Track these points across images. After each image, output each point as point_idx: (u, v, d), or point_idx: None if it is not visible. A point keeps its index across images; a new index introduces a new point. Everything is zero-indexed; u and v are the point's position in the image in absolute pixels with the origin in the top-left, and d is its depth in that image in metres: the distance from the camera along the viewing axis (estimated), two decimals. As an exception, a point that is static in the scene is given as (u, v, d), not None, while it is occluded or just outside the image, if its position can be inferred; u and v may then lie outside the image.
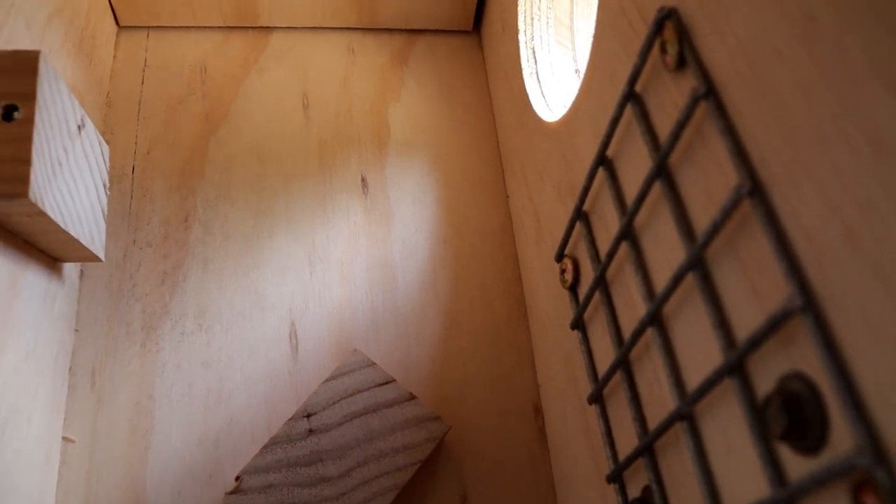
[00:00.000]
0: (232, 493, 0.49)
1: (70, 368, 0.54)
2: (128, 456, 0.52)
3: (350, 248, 0.61)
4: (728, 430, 0.30)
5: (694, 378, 0.33)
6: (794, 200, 0.25)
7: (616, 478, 0.40)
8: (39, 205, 0.40)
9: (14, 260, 0.45)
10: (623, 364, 0.39)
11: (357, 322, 0.58)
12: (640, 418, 0.38)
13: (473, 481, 0.54)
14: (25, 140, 0.39)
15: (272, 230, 0.60)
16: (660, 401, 0.36)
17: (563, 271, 0.49)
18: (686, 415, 0.32)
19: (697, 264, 0.31)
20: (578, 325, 0.46)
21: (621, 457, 0.41)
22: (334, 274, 0.60)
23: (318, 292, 0.59)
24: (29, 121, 0.39)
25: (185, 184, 0.61)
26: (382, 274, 0.60)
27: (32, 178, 0.39)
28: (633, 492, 0.39)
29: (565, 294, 0.49)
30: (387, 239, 0.61)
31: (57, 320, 0.51)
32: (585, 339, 0.45)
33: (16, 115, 0.39)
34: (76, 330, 0.55)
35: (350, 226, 0.62)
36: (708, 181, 0.31)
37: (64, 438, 0.52)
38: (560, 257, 0.49)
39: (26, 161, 0.39)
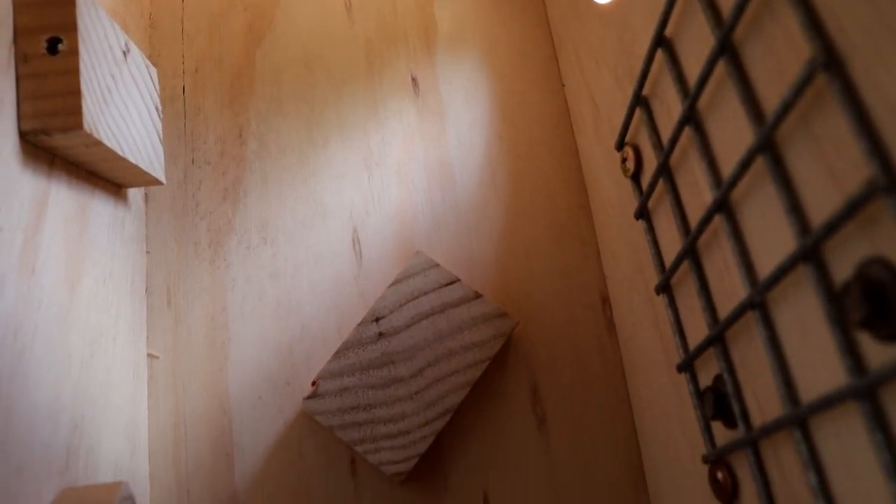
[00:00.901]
0: (309, 397, 0.51)
1: (146, 289, 0.56)
2: (209, 367, 0.54)
3: (405, 150, 0.60)
4: (803, 318, 0.29)
5: (766, 266, 0.31)
6: (877, 71, 0.23)
7: (686, 367, 0.40)
8: (95, 134, 0.41)
9: (80, 190, 0.46)
10: (691, 253, 0.38)
11: (418, 223, 0.58)
12: (710, 308, 0.37)
13: (543, 373, 0.55)
14: (72, 72, 0.39)
15: (326, 138, 0.60)
16: (730, 289, 0.35)
17: (624, 160, 0.47)
18: (758, 303, 0.31)
19: (767, 146, 0.29)
20: (643, 214, 0.45)
21: (691, 346, 0.40)
22: (392, 177, 0.59)
23: (377, 196, 0.59)
24: (73, 52, 0.39)
25: (237, 99, 0.61)
26: (440, 173, 0.59)
27: (84, 108, 0.39)
28: (705, 381, 0.39)
29: (628, 183, 0.48)
30: (441, 138, 0.60)
31: (128, 244, 0.53)
32: (651, 229, 0.44)
33: (60, 47, 0.39)
34: (147, 252, 0.56)
35: (404, 127, 0.60)
36: (777, 57, 0.28)
37: (148, 355, 0.54)
38: (620, 145, 0.47)
39: (76, 92, 0.39)
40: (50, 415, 0.40)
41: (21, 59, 0.39)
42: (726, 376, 0.35)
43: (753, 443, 0.33)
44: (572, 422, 0.54)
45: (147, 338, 0.54)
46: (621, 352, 0.55)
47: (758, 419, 0.33)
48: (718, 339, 0.36)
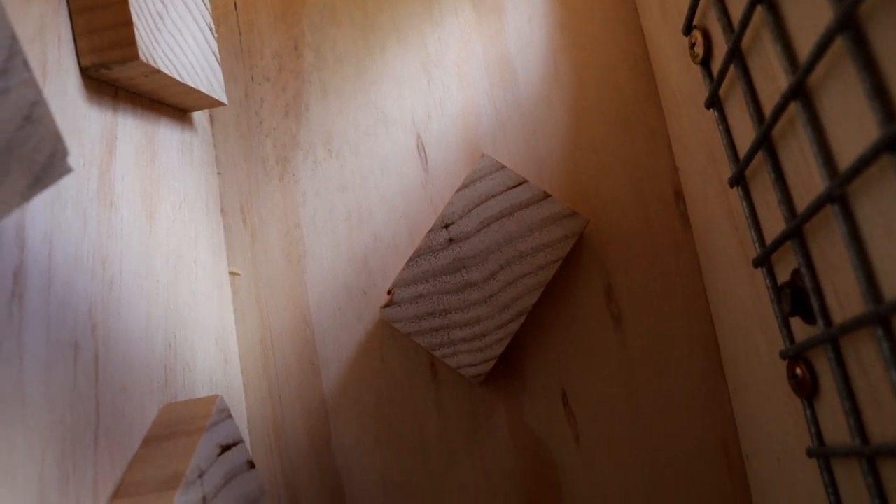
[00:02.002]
0: (386, 306, 0.52)
1: (221, 209, 0.57)
2: (288, 281, 0.56)
3: (464, 49, 0.58)
4: (888, 210, 0.27)
5: (846, 156, 0.29)
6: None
7: (763, 262, 0.39)
8: (151, 63, 0.41)
9: (146, 119, 0.47)
10: (765, 143, 0.36)
11: (482, 125, 0.57)
12: (787, 200, 0.35)
13: (617, 271, 0.54)
14: (121, 1, 0.39)
15: (383, 44, 0.59)
16: (808, 181, 0.33)
17: (692, 45, 0.44)
18: (837, 196, 0.30)
19: (848, 25, 0.27)
20: (714, 102, 0.43)
21: (768, 240, 0.39)
22: (452, 78, 0.58)
23: (438, 100, 0.58)
24: (120, -20, 0.39)
25: (289, 11, 0.59)
26: (501, 71, 0.57)
27: (138, 37, 0.40)
28: (783, 275, 0.37)
29: (697, 70, 0.45)
30: (500, 33, 0.58)
31: (199, 167, 0.54)
32: (723, 118, 0.42)
33: (106, -24, 0.39)
34: (219, 173, 0.58)
35: (460, 25, 0.58)
36: (858, -76, 0.25)
37: (230, 273, 0.56)
38: (688, 29, 0.44)
39: (128, 23, 0.39)
40: (144, 337, 0.42)
41: (71, -7, 0.39)
42: (804, 271, 0.34)
43: (833, 340, 0.32)
44: (648, 318, 0.53)
45: (227, 256, 0.56)
46: (696, 246, 0.53)
47: (838, 315, 0.32)
48: (796, 233, 0.34)
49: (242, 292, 0.56)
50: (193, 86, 0.47)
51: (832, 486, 0.35)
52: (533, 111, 0.57)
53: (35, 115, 0.29)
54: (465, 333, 0.51)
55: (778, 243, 0.36)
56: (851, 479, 0.33)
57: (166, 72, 0.43)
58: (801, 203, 0.34)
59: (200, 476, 0.38)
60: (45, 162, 0.29)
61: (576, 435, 0.53)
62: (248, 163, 0.58)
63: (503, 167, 0.52)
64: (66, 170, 0.31)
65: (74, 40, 0.39)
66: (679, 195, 0.54)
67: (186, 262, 0.50)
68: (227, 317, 0.55)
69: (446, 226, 0.52)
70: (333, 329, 0.55)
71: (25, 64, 0.28)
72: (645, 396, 0.53)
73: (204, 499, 0.38)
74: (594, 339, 0.54)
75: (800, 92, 0.32)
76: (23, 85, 0.28)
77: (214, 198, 0.56)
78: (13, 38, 0.28)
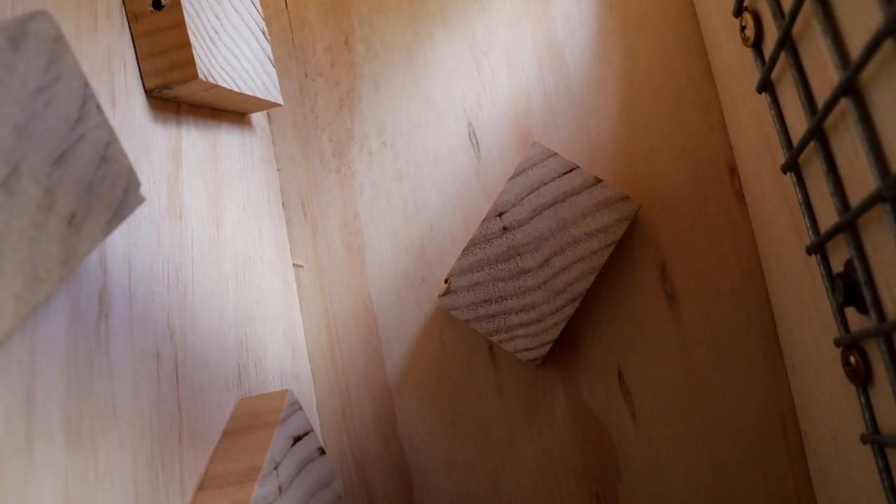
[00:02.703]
0: (444, 294, 0.54)
1: (283, 204, 0.59)
2: (349, 271, 0.58)
3: (512, 35, 0.58)
4: (936, 214, 0.27)
5: (896, 156, 0.29)
6: None
7: (816, 250, 0.39)
8: (210, 80, 0.43)
9: (207, 129, 0.49)
10: (817, 134, 0.36)
11: (532, 110, 0.57)
12: (839, 192, 0.35)
13: (672, 253, 0.54)
14: (179, 25, 0.41)
15: (431, 33, 0.59)
16: (860, 174, 0.33)
17: (743, 28, 0.43)
18: (888, 197, 0.30)
19: None
20: (766, 87, 0.42)
21: (822, 227, 0.39)
22: (501, 65, 0.58)
23: (488, 87, 0.58)
24: (176, 4, 0.40)
25: (338, 5, 0.60)
26: (550, 56, 0.57)
27: (196, 58, 0.41)
28: (837, 264, 0.37)
29: (749, 51, 0.44)
30: (548, 17, 0.58)
31: (259, 166, 0.56)
32: (775, 103, 0.42)
33: (163, 1, 0.40)
34: (278, 169, 0.60)
35: (507, 10, 0.58)
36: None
37: (294, 265, 0.59)
38: (739, 11, 0.44)
39: (186, 44, 0.41)
40: (218, 337, 0.45)
41: (132, 19, 0.41)
42: (857, 265, 0.34)
43: (886, 334, 0.32)
44: (703, 296, 0.54)
45: (290, 250, 0.59)
46: (752, 224, 0.53)
47: (891, 309, 0.32)
48: (848, 226, 0.34)
49: (306, 284, 0.59)
50: (250, 93, 0.49)
51: (886, 472, 0.35)
52: (583, 94, 0.57)
53: (109, 154, 0.31)
54: (521, 319, 0.53)
55: (830, 235, 0.36)
56: (906, 469, 0.34)
57: (224, 85, 0.45)
58: (854, 194, 0.34)
59: (276, 468, 0.41)
60: (121, 197, 0.32)
61: (632, 412, 0.54)
62: (306, 158, 0.60)
63: (554, 154, 0.53)
64: (140, 201, 0.33)
65: (138, 64, 0.41)
66: (734, 173, 0.54)
67: (253, 260, 0.52)
68: (293, 308, 0.58)
69: (500, 214, 0.53)
70: (395, 316, 0.57)
71: (98, 108, 0.31)
72: (701, 373, 0.53)
73: (280, 488, 0.41)
74: (649, 319, 0.54)
75: (850, 89, 0.31)
76: (97, 128, 0.30)
77: (275, 194, 0.59)
78: (86, 86, 0.30)
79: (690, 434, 0.53)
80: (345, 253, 0.58)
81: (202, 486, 0.40)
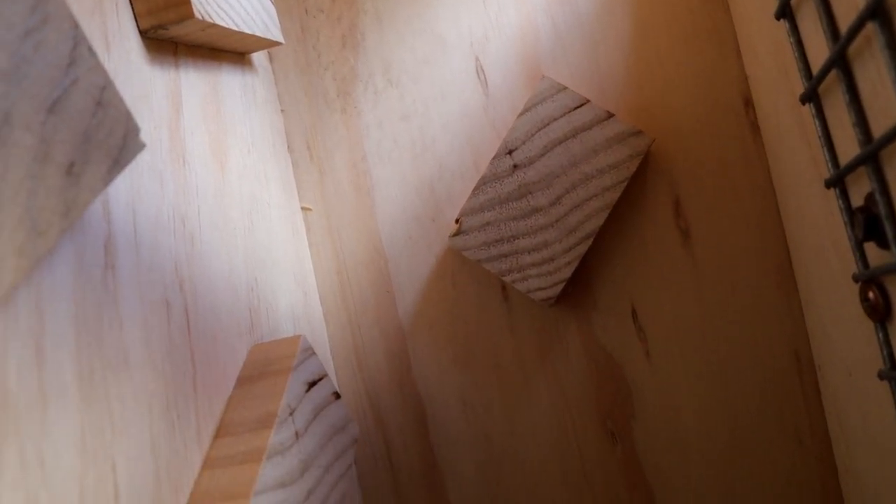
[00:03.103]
0: (454, 234, 0.53)
1: (288, 146, 0.58)
2: (358, 213, 0.58)
3: (518, -38, 0.56)
4: (967, 144, 0.26)
5: (925, 84, 0.28)
6: None
7: (836, 184, 0.38)
8: (206, 18, 0.41)
9: (207, 70, 0.47)
10: (840, 62, 0.34)
11: (541, 43, 0.55)
12: (862, 123, 0.34)
13: (685, 186, 0.53)
14: (171, -39, 0.39)
15: (434, -37, 0.57)
16: (885, 104, 0.32)
17: (762, -51, 0.41)
18: (915, 126, 0.28)
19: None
20: (785, 13, 0.40)
21: (841, 160, 0.37)
22: (508, -6, 0.56)
23: (495, 20, 0.56)
24: (167, -60, 0.39)
25: (336, -66, 0.58)
26: (558, -16, 0.55)
27: (191, -4, 0.40)
28: (856, 198, 0.36)
29: (768, -25, 0.42)
30: (556, -58, 0.55)
31: (262, 107, 0.55)
32: (794, 30, 0.40)
33: (154, -63, 0.39)
34: (282, 110, 0.58)
35: (513, -64, 0.56)
36: None
37: (302, 209, 0.58)
38: (758, -68, 0.42)
39: (180, -18, 0.39)
40: (228, 284, 0.45)
41: (124, -43, 0.39)
42: (879, 198, 0.33)
43: (908, 269, 0.32)
44: (717, 232, 0.53)
45: (298, 193, 0.58)
46: (767, 157, 0.52)
47: (914, 243, 0.31)
48: (871, 158, 0.33)
49: (315, 227, 0.58)
50: (250, 32, 0.47)
51: (906, 409, 0.35)
52: (593, 25, 0.55)
53: (105, 99, 0.30)
54: (534, 258, 0.52)
55: (851, 167, 0.35)
56: (925, 404, 0.33)
57: (221, 24, 0.43)
58: (877, 125, 0.33)
59: (291, 414, 0.41)
60: (121, 144, 0.31)
61: (646, 350, 0.54)
62: (310, 98, 0.58)
63: (564, 88, 0.51)
64: (140, 147, 0.32)
65: (131, 4, 0.40)
66: (749, 104, 0.52)
67: (260, 204, 0.51)
68: (303, 253, 0.57)
69: (510, 152, 0.52)
70: (405, 257, 0.57)
71: (91, 51, 0.29)
72: (715, 309, 0.53)
73: (296, 434, 0.41)
74: (663, 256, 0.53)
75: (878, 12, 0.30)
76: (91, 72, 0.29)
77: (280, 136, 0.57)
78: (76, 27, 0.29)
79: (704, 370, 0.53)
80: (354, 194, 0.58)
81: (218, 434, 0.40)
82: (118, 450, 0.32)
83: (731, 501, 0.53)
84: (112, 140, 0.30)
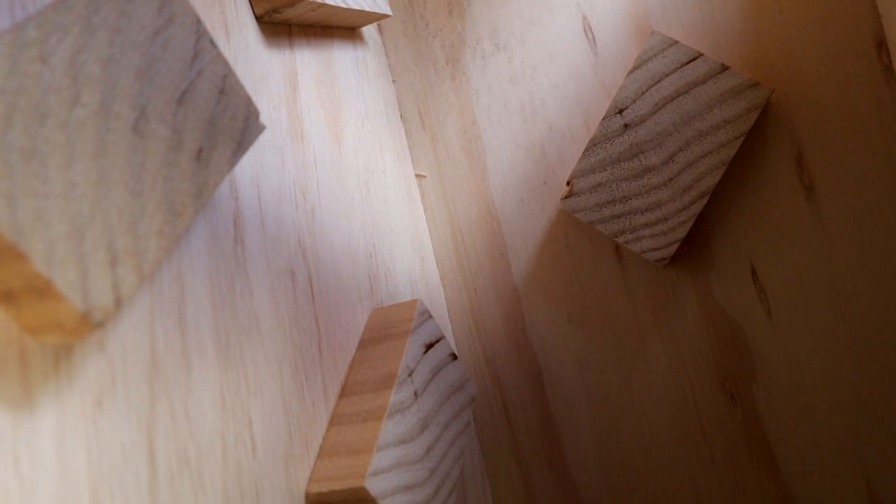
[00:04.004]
0: (566, 196, 0.53)
1: (400, 115, 0.60)
2: (471, 177, 0.59)
3: (627, -87, 0.54)
4: None
5: None
6: None
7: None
8: (318, -1, 0.43)
9: (320, 48, 0.49)
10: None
11: (652, -5, 0.54)
12: None
13: (809, 141, 0.51)
14: (282, -53, 0.41)
15: (539, -79, 0.56)
16: None
17: None
18: None
19: None
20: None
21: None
22: (616, -53, 0.55)
23: (603, -26, 0.55)
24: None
25: None
26: (669, -68, 0.53)
27: (302, -22, 0.42)
28: None
29: None
30: None
31: (374, 79, 0.57)
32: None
33: (265, -75, 0.41)
34: (393, 81, 0.60)
35: None
36: None
37: (416, 175, 0.60)
38: None
39: (290, -34, 0.41)
40: (348, 252, 0.47)
41: (239, -54, 0.42)
42: None
43: None
44: (845, 187, 0.50)
45: (411, 160, 0.60)
46: (903, 102, 0.48)
47: None
48: None
49: (430, 193, 0.60)
50: (358, 7, 0.49)
51: None
52: (707, -29, 0.52)
53: (227, 87, 0.32)
54: (647, 218, 0.52)
55: None
56: None
57: (331, 2, 0.45)
58: None
59: (410, 374, 0.43)
60: (243, 127, 0.33)
61: (767, 310, 0.52)
62: (420, 67, 0.59)
63: (675, 42, 0.50)
64: (260, 129, 0.34)
65: (248, -9, 0.42)
66: (882, 46, 0.49)
67: (376, 174, 0.54)
68: (419, 218, 0.59)
69: (620, 111, 0.52)
70: (518, 220, 0.58)
71: (212, 43, 0.32)
72: (843, 267, 0.50)
73: (415, 393, 0.43)
74: (784, 213, 0.51)
75: None
76: (213, 62, 0.32)
77: (392, 106, 0.59)
78: (198, 22, 0.31)
79: (830, 332, 0.51)
80: (465, 159, 0.59)
81: (343, 393, 0.43)
82: (254, 407, 0.35)
83: (856, 466, 0.51)
84: (235, 124, 0.33)
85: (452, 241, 0.59)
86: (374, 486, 0.36)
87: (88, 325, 0.25)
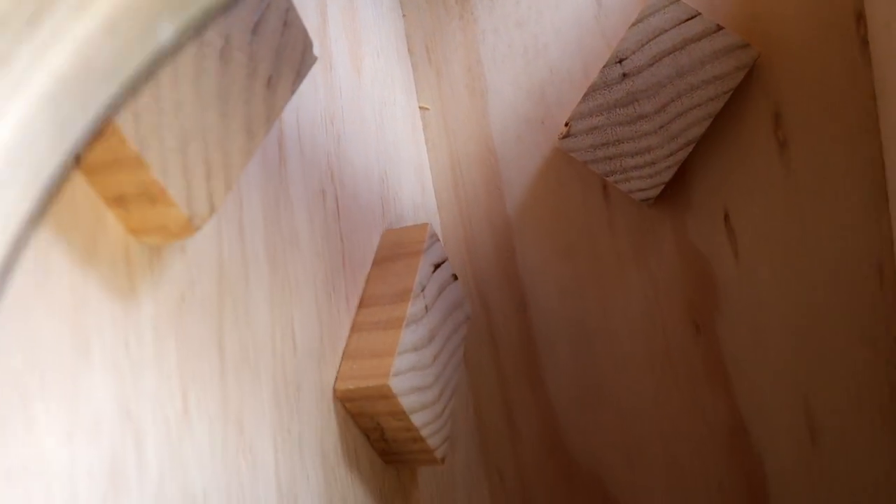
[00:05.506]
0: (564, 137, 0.58)
1: (408, 50, 0.63)
2: (472, 114, 0.62)
3: None
4: None
5: None
6: None
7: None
8: (355, -64, 0.46)
9: (347, -21, 0.52)
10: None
11: (655, -49, 0.57)
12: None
13: (787, 99, 0.56)
14: None
15: None
16: None
17: None
18: None
19: None
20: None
21: (946, 83, 0.40)
22: None
23: (610, -73, 0.58)
24: None
25: None
26: None
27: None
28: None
29: None
30: None
31: (387, 14, 0.59)
32: (913, -48, 0.41)
33: None
34: (404, 16, 0.63)
35: None
36: None
37: (420, 108, 0.63)
38: None
39: None
40: (365, 177, 0.51)
41: None
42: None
43: None
44: (815, 145, 0.55)
45: (416, 93, 0.63)
46: (873, 72, 0.53)
47: None
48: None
49: (432, 125, 0.63)
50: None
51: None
52: (709, -66, 0.56)
53: (289, 19, 0.36)
54: (637, 161, 0.56)
55: (953, 91, 0.38)
56: None
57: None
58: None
59: (422, 290, 0.48)
60: (300, 58, 0.36)
61: (735, 251, 0.58)
62: (430, 4, 0.62)
63: (676, 1, 0.54)
64: (314, 60, 0.38)
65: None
66: (861, 18, 0.54)
67: (388, 104, 0.57)
68: (421, 148, 0.63)
69: (620, 61, 0.56)
70: (515, 156, 0.62)
71: (279, -23, 0.35)
72: (807, 218, 0.56)
73: (426, 307, 0.48)
74: (759, 164, 0.57)
75: None
76: (279, -4, 0.35)
77: (402, 41, 0.62)
78: (269, -42, 0.34)
79: (791, 274, 0.57)
80: (468, 96, 0.62)
81: (361, 305, 0.47)
82: (295, 311, 0.40)
83: (801, 397, 0.58)
84: (295, 55, 0.36)
85: (451, 172, 0.63)
86: (395, 385, 0.41)
87: (190, 229, 0.28)
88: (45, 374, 0.24)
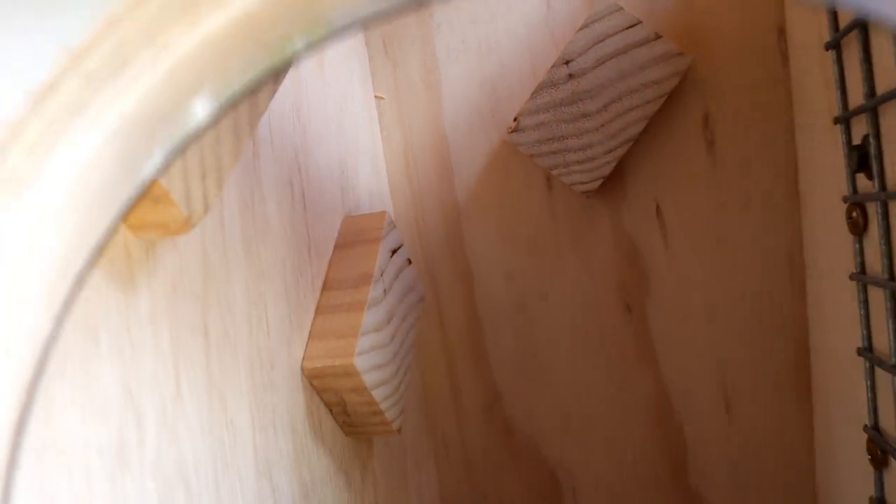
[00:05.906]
0: (512, 131, 0.62)
1: (366, 42, 0.66)
2: (426, 104, 0.66)
3: None
4: (938, 116, 0.34)
5: (917, 62, 0.36)
6: None
7: (842, 121, 0.46)
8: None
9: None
10: (859, 25, 0.42)
11: (601, -41, 0.61)
12: (869, 80, 0.42)
13: (715, 103, 0.61)
14: None
15: None
16: (888, 64, 0.40)
17: None
18: (905, 94, 0.37)
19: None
20: (823, -33, 0.47)
21: (851, 104, 0.45)
22: None
23: (560, -67, 0.62)
24: None
25: None
26: None
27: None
28: (856, 137, 0.45)
29: (813, -72, 0.48)
30: None
31: (350, 6, 0.62)
32: (828, -16, 0.47)
33: None
34: (364, 8, 0.65)
35: None
36: None
37: (376, 97, 0.66)
38: None
39: None
40: (327, 167, 0.54)
41: None
42: (872, 141, 0.41)
43: (883, 201, 0.41)
44: (738, 146, 0.61)
45: (373, 83, 0.66)
46: (791, 86, 0.59)
47: (892, 180, 0.40)
48: (871, 109, 0.41)
49: (387, 113, 0.66)
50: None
51: (864, 304, 0.45)
52: (651, -54, 0.60)
53: None
54: (578, 157, 0.61)
55: (854, 113, 0.43)
56: (878, 304, 0.43)
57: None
58: (881, 83, 0.41)
59: (382, 275, 0.51)
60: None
61: (665, 240, 0.64)
62: (389, -3, 0.65)
63: (620, 9, 0.58)
64: (290, 63, 0.40)
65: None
66: (782, 32, 0.59)
67: (347, 98, 0.60)
68: (376, 136, 0.66)
69: (566, 62, 0.60)
70: (465, 145, 0.65)
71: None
72: (729, 210, 0.62)
73: (384, 290, 0.51)
74: (688, 161, 0.62)
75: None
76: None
77: (359, 35, 0.65)
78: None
79: (714, 262, 0.63)
80: (423, 87, 0.66)
81: (325, 288, 0.50)
82: (268, 295, 0.43)
83: (718, 371, 0.64)
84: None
85: (404, 159, 0.67)
86: (359, 363, 0.45)
87: (188, 226, 0.31)
88: (62, 361, 0.27)
